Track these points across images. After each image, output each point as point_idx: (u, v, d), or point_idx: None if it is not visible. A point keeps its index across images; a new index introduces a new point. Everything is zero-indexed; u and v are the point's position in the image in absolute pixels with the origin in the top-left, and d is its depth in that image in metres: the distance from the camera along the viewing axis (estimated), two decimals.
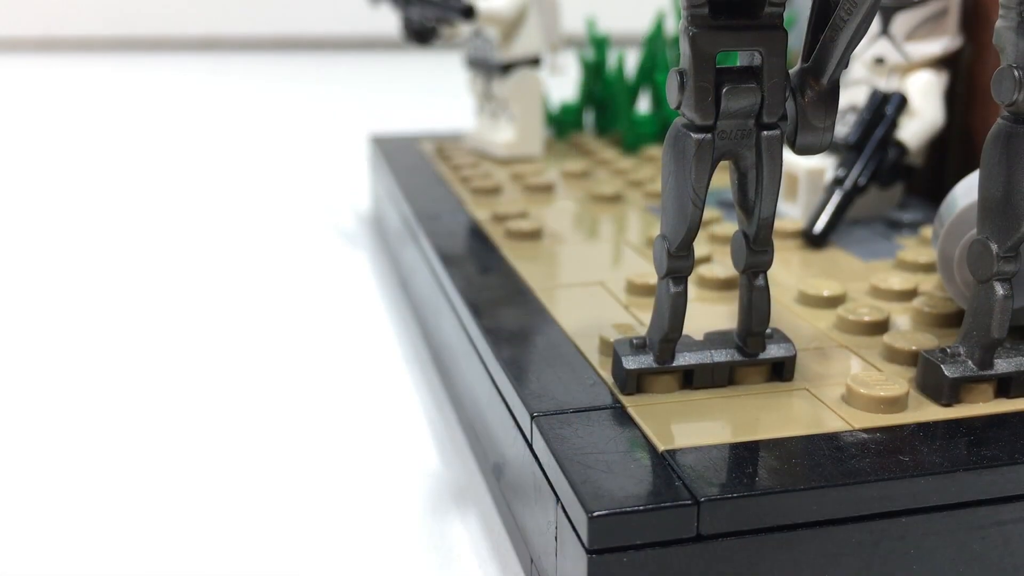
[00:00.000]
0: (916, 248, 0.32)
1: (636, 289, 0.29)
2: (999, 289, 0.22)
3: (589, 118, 0.50)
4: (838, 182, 0.34)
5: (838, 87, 0.21)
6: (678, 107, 0.21)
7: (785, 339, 0.24)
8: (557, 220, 0.36)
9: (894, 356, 0.24)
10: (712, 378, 0.23)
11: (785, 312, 0.28)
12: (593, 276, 0.31)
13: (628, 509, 0.19)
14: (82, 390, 0.32)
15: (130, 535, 0.25)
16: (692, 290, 0.28)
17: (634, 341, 0.23)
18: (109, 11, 1.14)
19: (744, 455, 0.21)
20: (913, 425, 0.22)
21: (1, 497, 0.26)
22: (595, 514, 0.19)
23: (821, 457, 0.20)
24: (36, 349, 0.35)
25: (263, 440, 0.29)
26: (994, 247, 0.22)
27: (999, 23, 0.21)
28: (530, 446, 0.22)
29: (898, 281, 0.28)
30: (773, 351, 0.23)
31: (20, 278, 0.43)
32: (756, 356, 0.23)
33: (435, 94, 0.85)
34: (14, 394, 0.32)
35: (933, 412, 0.22)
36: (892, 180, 0.34)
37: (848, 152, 0.34)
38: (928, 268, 0.30)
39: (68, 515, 0.25)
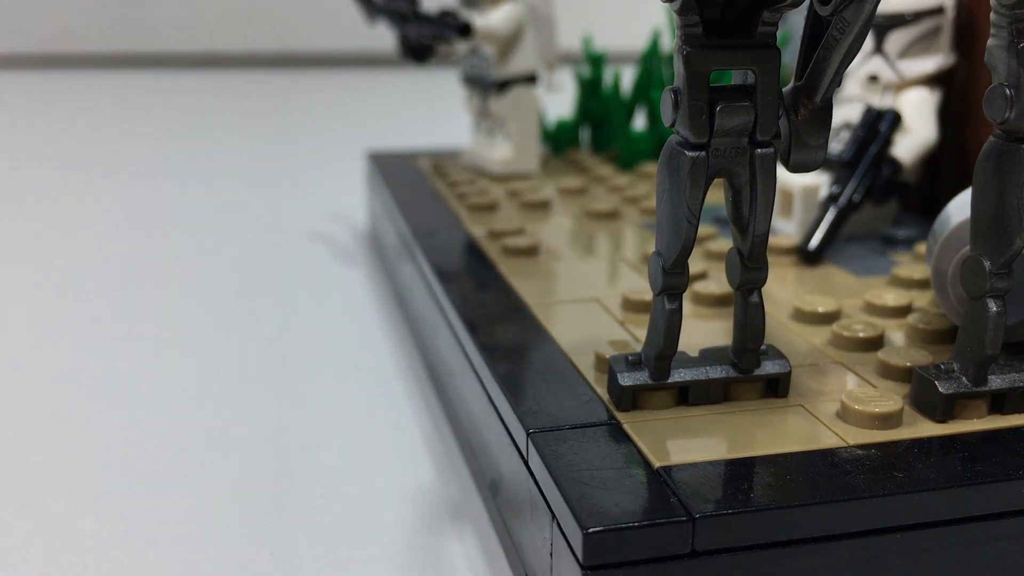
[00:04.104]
0: (910, 264, 0.32)
1: (632, 305, 0.29)
2: (992, 305, 0.22)
3: (585, 135, 0.51)
4: (833, 199, 0.34)
5: (831, 105, 0.22)
6: (673, 125, 0.21)
7: (780, 355, 0.24)
8: (553, 237, 0.37)
9: (888, 372, 0.25)
10: (707, 394, 0.23)
11: (780, 328, 0.28)
12: (589, 292, 0.31)
13: (623, 525, 0.19)
14: (77, 403, 0.32)
15: (118, 550, 0.25)
16: (687, 307, 0.28)
17: (630, 358, 0.23)
18: (108, 29, 1.14)
19: (739, 471, 0.21)
20: (908, 441, 0.22)
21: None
22: (590, 530, 0.19)
23: (816, 473, 0.20)
24: (35, 361, 0.35)
25: (259, 455, 0.29)
26: (987, 264, 0.22)
27: (991, 42, 0.22)
28: (526, 462, 0.22)
29: (892, 297, 0.29)
30: (768, 367, 0.23)
31: (19, 290, 0.43)
32: (751, 372, 0.23)
33: (432, 111, 0.86)
34: (18, 404, 0.32)
35: (927, 428, 0.22)
36: (886, 197, 0.34)
37: (843, 169, 0.34)
38: (922, 284, 0.30)
39: (61, 515, 0.26)
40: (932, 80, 0.36)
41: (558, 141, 0.50)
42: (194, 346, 0.37)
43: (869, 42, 0.35)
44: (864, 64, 0.35)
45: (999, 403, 0.23)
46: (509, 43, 0.43)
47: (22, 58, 1.13)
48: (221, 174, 0.66)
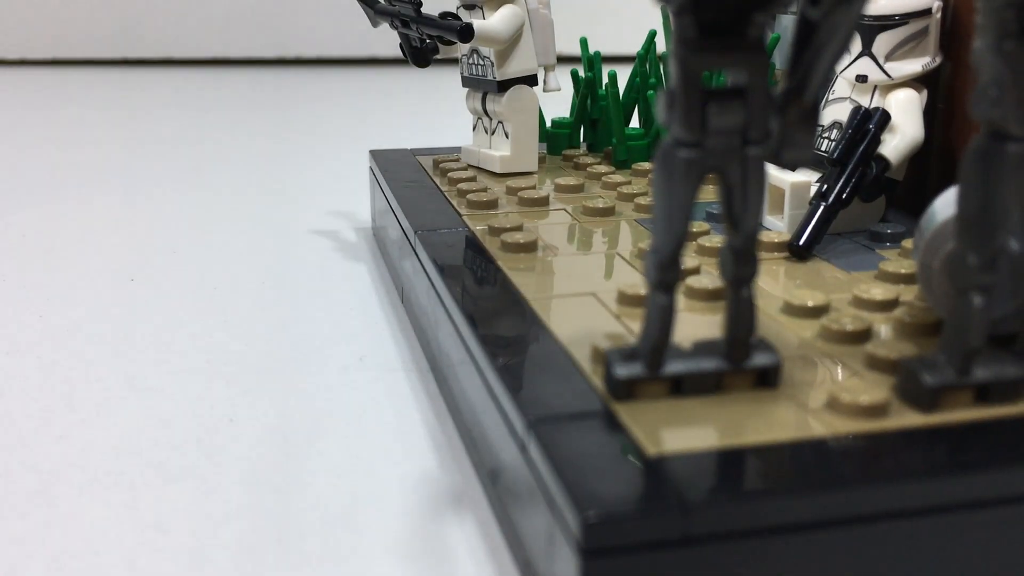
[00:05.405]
0: (897, 260, 0.32)
1: (627, 300, 0.29)
2: (977, 299, 0.23)
3: (583, 134, 0.51)
4: (822, 196, 0.34)
5: (819, 105, 0.22)
6: (667, 125, 0.22)
7: (770, 348, 0.24)
8: (551, 233, 0.37)
9: (876, 364, 0.25)
10: (700, 385, 0.23)
11: (771, 322, 0.28)
12: (586, 287, 0.31)
13: (620, 512, 0.19)
14: (88, 394, 0.33)
15: (129, 536, 0.25)
16: (681, 301, 0.29)
17: (625, 350, 0.24)
18: (116, 34, 1.15)
19: (732, 459, 0.21)
20: (895, 431, 0.22)
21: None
22: (588, 517, 0.19)
23: (806, 462, 0.21)
24: (48, 353, 0.36)
25: (265, 445, 0.29)
26: (972, 259, 0.22)
27: (977, 43, 0.22)
28: (525, 451, 0.23)
29: (880, 292, 0.29)
30: (759, 359, 0.24)
31: (30, 283, 0.43)
32: (742, 364, 0.24)
33: (434, 111, 0.86)
34: (31, 395, 0.33)
35: (914, 419, 0.23)
36: (874, 194, 0.35)
37: (832, 167, 0.35)
38: (909, 279, 0.30)
39: (73, 503, 0.26)
40: (919, 80, 0.36)
41: (556, 140, 0.50)
42: (201, 338, 0.38)
43: (858, 43, 0.35)
44: (853, 64, 0.36)
45: (984, 394, 0.23)
46: (509, 44, 0.44)
47: (35, 63, 1.13)
48: (227, 171, 0.66)
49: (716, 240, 0.34)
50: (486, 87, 0.45)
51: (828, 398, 0.23)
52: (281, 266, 0.46)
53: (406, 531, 0.25)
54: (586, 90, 0.49)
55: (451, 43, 0.44)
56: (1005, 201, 0.22)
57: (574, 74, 0.50)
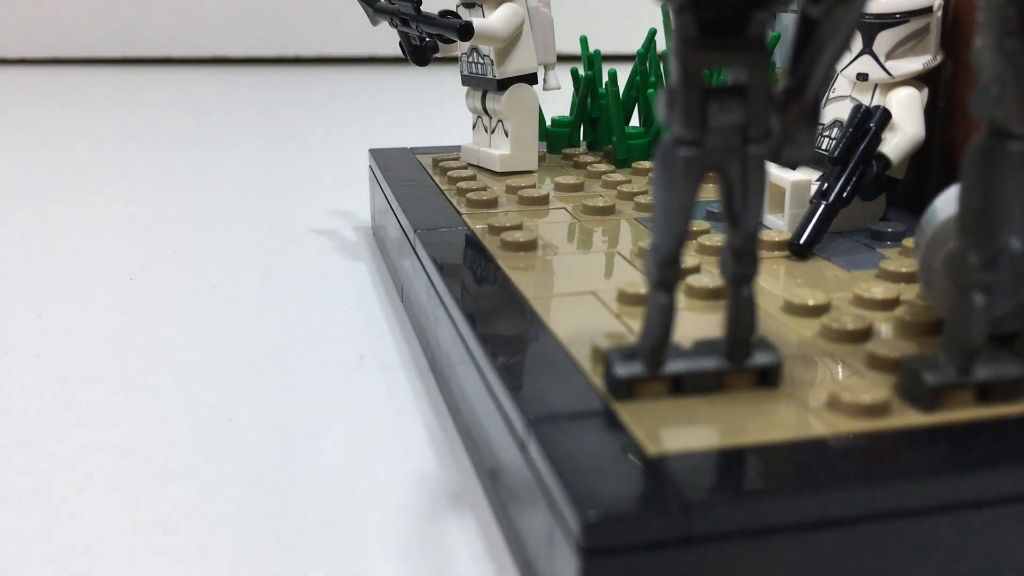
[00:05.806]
0: (898, 259, 0.32)
1: (627, 299, 0.29)
2: (978, 298, 0.23)
3: (583, 133, 0.51)
4: (823, 195, 0.34)
5: (819, 103, 0.22)
6: (667, 123, 0.22)
7: (771, 347, 0.24)
8: (551, 232, 0.37)
9: (877, 363, 0.25)
10: (701, 385, 0.23)
11: (771, 321, 0.28)
12: (586, 286, 0.31)
13: (620, 512, 0.19)
14: (87, 394, 0.33)
15: (128, 536, 0.25)
16: (682, 300, 0.29)
17: (625, 349, 0.24)
18: (116, 34, 1.15)
19: (732, 459, 0.21)
20: (896, 430, 0.22)
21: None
22: (588, 517, 0.19)
23: (807, 461, 0.21)
24: (47, 353, 0.36)
25: (265, 444, 0.29)
26: (973, 258, 0.22)
27: (978, 41, 0.22)
28: (525, 451, 0.23)
29: (881, 291, 0.29)
30: (759, 358, 0.24)
31: (30, 283, 0.43)
32: (743, 363, 0.24)
33: (434, 109, 0.86)
34: (31, 395, 0.33)
35: (915, 418, 0.23)
36: (875, 193, 0.35)
37: (832, 166, 0.35)
38: (910, 278, 0.30)
39: (72, 502, 0.26)
40: (920, 78, 0.36)
41: (556, 138, 0.50)
42: (201, 338, 0.38)
43: (859, 41, 0.35)
44: (854, 63, 0.36)
45: (985, 393, 0.23)
46: (509, 43, 0.44)
47: (35, 62, 1.13)
48: (227, 171, 0.66)
49: (716, 239, 0.34)
50: (486, 86, 0.45)
51: (829, 397, 0.23)
52: (281, 265, 0.46)
53: (406, 530, 0.25)
54: (586, 88, 0.49)
55: (451, 41, 0.44)
56: (1006, 200, 0.22)
57: (574, 72, 0.50)
